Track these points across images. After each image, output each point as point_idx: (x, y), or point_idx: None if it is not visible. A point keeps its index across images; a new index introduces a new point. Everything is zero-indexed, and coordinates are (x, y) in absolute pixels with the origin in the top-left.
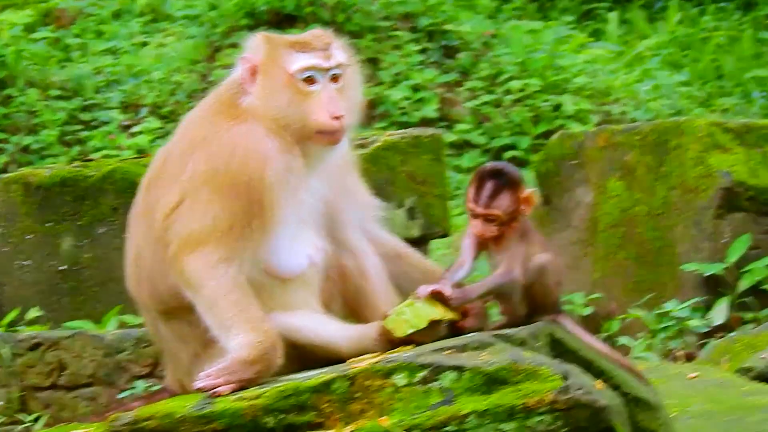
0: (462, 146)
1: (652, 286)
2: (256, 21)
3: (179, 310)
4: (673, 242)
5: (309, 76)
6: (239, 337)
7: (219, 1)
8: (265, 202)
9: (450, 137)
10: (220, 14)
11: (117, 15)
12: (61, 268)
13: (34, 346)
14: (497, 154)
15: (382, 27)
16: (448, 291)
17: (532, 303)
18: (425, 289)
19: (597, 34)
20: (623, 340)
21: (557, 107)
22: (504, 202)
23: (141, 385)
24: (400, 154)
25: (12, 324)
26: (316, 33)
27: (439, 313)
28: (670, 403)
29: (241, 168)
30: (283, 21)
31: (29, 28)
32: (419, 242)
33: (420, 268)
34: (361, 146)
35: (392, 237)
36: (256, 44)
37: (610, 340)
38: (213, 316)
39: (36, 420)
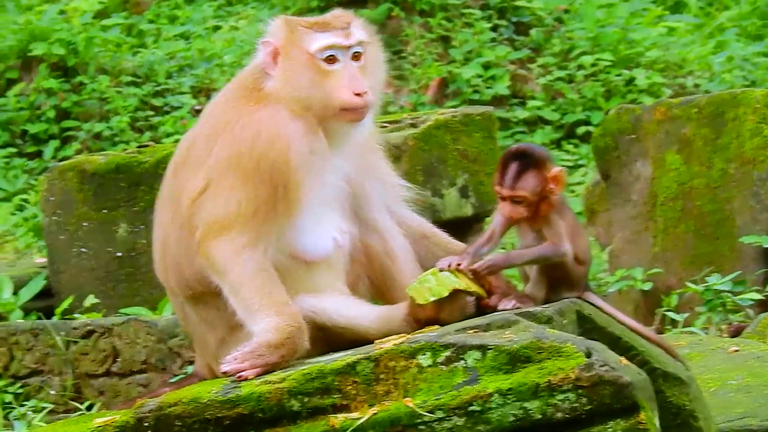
0: (535, 123)
1: (712, 258)
2: (327, 2)
3: (206, 295)
4: (732, 214)
5: (330, 56)
6: (265, 320)
7: None
8: (290, 185)
9: (522, 114)
10: None
11: (191, 0)
12: (117, 254)
13: (88, 334)
14: (570, 129)
15: (453, 5)
16: (466, 264)
17: (551, 280)
18: (445, 261)
19: (678, 7)
20: (674, 315)
21: (630, 81)
22: (529, 183)
23: None
24: (452, 133)
25: (68, 311)
26: (335, 13)
27: (462, 284)
28: (710, 377)
29: (265, 152)
30: (354, 1)
31: (102, 15)
32: (472, 221)
33: (447, 248)
34: (413, 125)
35: (418, 217)
36: (276, 27)
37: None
38: (239, 301)
39: (90, 407)
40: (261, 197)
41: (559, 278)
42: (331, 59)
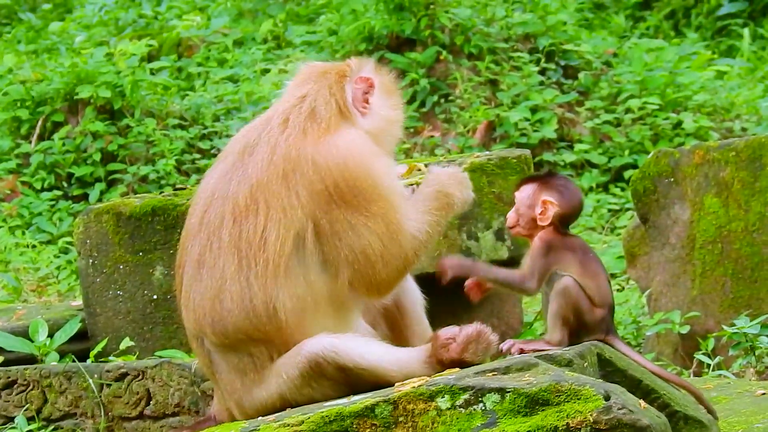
0: (582, 166)
1: (750, 302)
2: (376, 45)
3: (242, 343)
4: None
5: None
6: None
7: (339, 26)
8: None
9: (570, 157)
10: (339, 39)
11: (240, 43)
12: (153, 297)
13: (121, 376)
14: (617, 173)
15: (501, 48)
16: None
17: (568, 324)
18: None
19: (731, 51)
20: (705, 358)
21: (677, 125)
22: (523, 194)
23: None
24: (487, 176)
25: (103, 354)
26: None
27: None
28: (736, 420)
29: (358, 168)
30: (402, 44)
31: (151, 58)
32: (508, 264)
33: None
34: None
35: None
36: (371, 68)
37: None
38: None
39: None
40: (380, 212)
41: (575, 322)
42: None
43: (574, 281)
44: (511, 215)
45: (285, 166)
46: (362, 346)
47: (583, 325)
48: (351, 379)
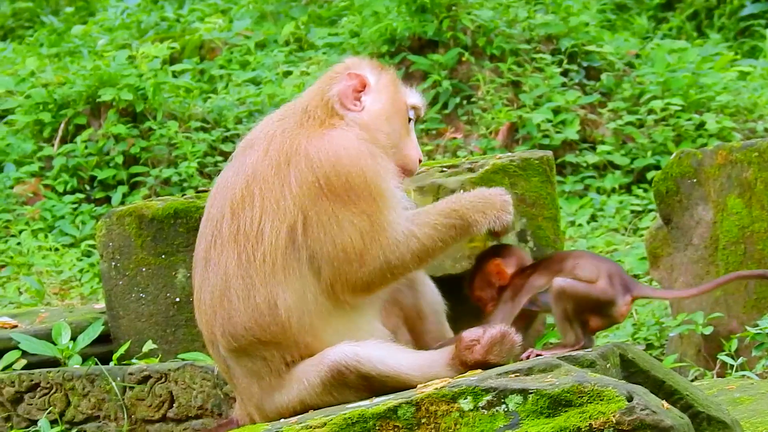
0: (604, 167)
1: None
2: (398, 47)
3: (252, 347)
4: None
5: (413, 115)
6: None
7: (361, 28)
8: (384, 192)
9: (592, 159)
10: (361, 41)
11: (262, 45)
12: (176, 300)
13: (144, 379)
14: (640, 174)
15: (523, 50)
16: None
17: (576, 322)
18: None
19: (754, 52)
20: (728, 359)
21: (700, 126)
22: (477, 284)
23: None
24: (510, 177)
25: (126, 357)
26: None
27: None
28: (760, 421)
29: (352, 165)
30: (424, 46)
31: (173, 61)
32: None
33: None
34: (470, 170)
35: None
36: (368, 64)
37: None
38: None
39: None
40: (367, 210)
41: (583, 311)
42: (410, 119)
43: (564, 278)
44: (488, 308)
45: (279, 157)
46: (384, 353)
47: (594, 306)
48: (374, 386)
